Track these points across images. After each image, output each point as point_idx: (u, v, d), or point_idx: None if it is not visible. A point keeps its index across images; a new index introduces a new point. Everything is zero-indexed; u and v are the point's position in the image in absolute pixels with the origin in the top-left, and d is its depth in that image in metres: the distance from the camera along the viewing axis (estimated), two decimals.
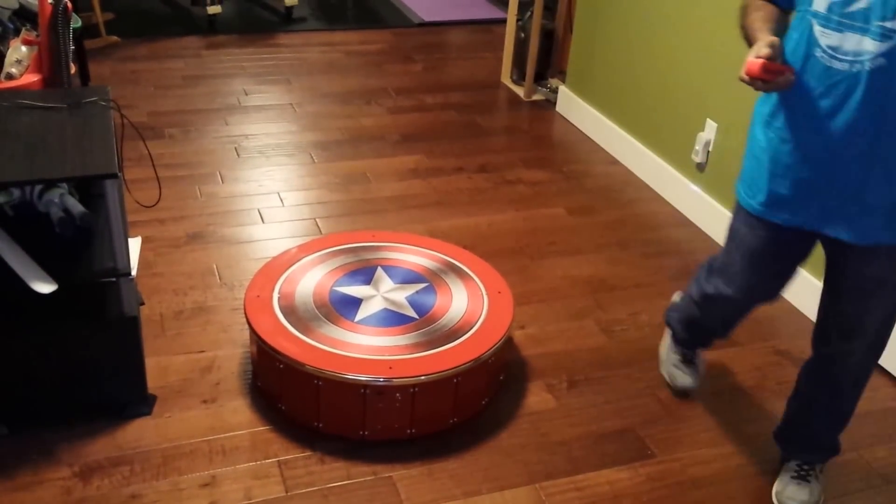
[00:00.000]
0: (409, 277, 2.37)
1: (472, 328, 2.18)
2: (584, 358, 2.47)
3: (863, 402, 2.37)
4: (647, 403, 2.30)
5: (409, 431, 2.10)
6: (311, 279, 2.33)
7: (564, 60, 4.24)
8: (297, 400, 2.11)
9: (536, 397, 2.30)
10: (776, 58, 1.55)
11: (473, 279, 2.38)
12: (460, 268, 2.43)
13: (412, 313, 2.23)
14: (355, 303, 2.25)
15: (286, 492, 1.95)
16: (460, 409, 2.15)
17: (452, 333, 2.16)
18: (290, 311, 2.19)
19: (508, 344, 2.32)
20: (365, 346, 2.09)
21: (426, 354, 2.08)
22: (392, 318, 2.20)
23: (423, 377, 2.03)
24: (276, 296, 2.24)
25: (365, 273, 2.37)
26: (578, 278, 2.85)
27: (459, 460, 2.08)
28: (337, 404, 2.06)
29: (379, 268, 2.40)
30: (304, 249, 2.46)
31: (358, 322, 2.18)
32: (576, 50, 4.04)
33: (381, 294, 2.29)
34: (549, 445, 2.14)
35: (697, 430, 2.22)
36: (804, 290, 2.76)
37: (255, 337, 2.12)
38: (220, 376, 2.29)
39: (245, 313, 2.18)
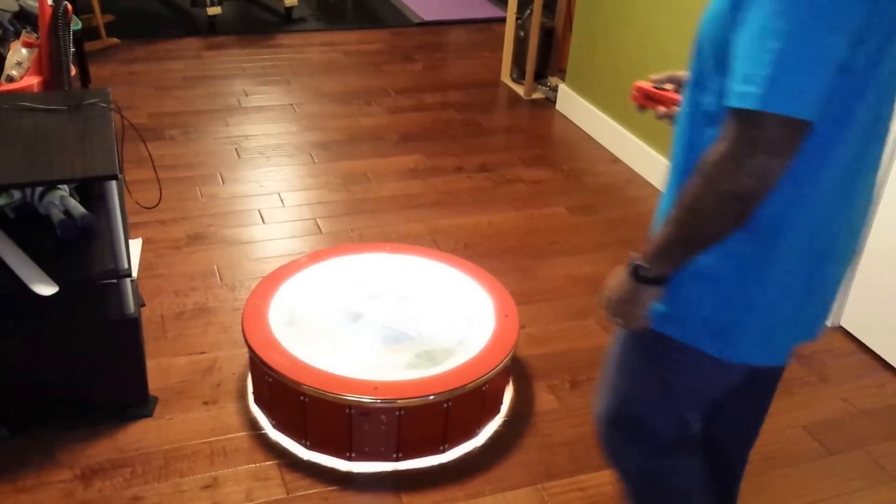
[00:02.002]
0: (415, 294, 2.28)
1: (470, 352, 2.08)
2: (586, 358, 2.46)
3: (867, 398, 2.38)
4: None
5: (395, 456, 2.02)
6: (315, 290, 2.26)
7: (564, 58, 4.23)
8: (286, 415, 2.06)
9: (538, 397, 2.29)
10: (662, 83, 1.45)
11: (482, 300, 2.26)
12: (471, 286, 2.32)
13: (412, 332, 2.15)
14: (355, 317, 2.18)
15: (287, 493, 1.95)
16: (452, 436, 2.06)
17: (448, 356, 2.07)
18: (287, 322, 2.13)
19: (508, 372, 2.25)
20: (357, 364, 2.02)
21: (415, 376, 2.00)
22: (390, 336, 2.13)
23: (408, 400, 1.94)
24: (275, 306, 2.18)
25: (371, 287, 2.29)
26: (580, 277, 2.84)
27: (461, 461, 2.07)
28: (323, 423, 2.00)
29: (386, 282, 2.32)
30: (314, 258, 2.39)
31: (354, 338, 2.11)
32: (575, 48, 4.04)
33: (384, 310, 2.21)
34: (552, 446, 2.13)
35: None
36: None
37: (248, 348, 2.08)
38: (220, 377, 2.28)
39: (241, 322, 2.14)
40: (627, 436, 1.50)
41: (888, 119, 1.25)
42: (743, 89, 1.07)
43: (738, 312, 1.27)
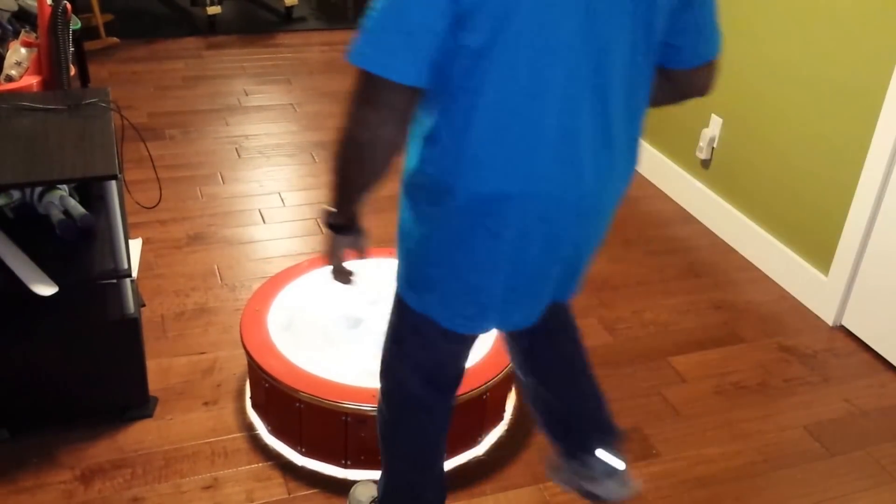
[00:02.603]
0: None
1: (470, 360, 2.02)
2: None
3: (869, 398, 2.37)
4: (652, 402, 2.29)
5: None
6: (316, 295, 2.23)
7: None
8: (281, 422, 2.04)
9: None
10: None
11: None
12: None
13: None
14: (355, 323, 2.15)
15: (288, 493, 1.94)
16: (451, 444, 1.99)
17: None
18: (285, 327, 2.11)
19: (510, 380, 2.20)
20: (355, 371, 1.98)
21: None
22: None
23: None
24: (274, 311, 2.15)
25: (373, 292, 2.25)
26: None
27: (462, 464, 2.06)
28: (318, 430, 1.97)
29: (388, 287, 2.28)
30: (315, 263, 2.36)
31: (353, 344, 2.08)
32: None
33: (384, 316, 2.19)
34: None
35: (703, 429, 2.21)
36: (809, 285, 2.75)
37: (245, 351, 2.05)
38: (221, 378, 2.28)
39: (240, 326, 2.12)
40: (393, 355, 1.60)
41: (591, 115, 1.25)
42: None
43: (420, 266, 1.39)
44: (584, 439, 1.72)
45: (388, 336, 1.57)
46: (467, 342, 1.53)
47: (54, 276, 1.94)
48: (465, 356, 1.58)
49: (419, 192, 1.33)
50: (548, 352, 1.69)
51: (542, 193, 1.28)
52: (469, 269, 1.35)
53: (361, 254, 1.46)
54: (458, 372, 1.60)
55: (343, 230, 1.39)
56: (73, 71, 2.66)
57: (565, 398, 1.73)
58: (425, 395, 1.58)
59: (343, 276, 1.47)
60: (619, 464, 1.70)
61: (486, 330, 1.46)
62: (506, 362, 2.05)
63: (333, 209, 1.36)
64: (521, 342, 1.70)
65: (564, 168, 1.27)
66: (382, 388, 1.64)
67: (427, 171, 1.29)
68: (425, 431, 1.62)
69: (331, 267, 1.45)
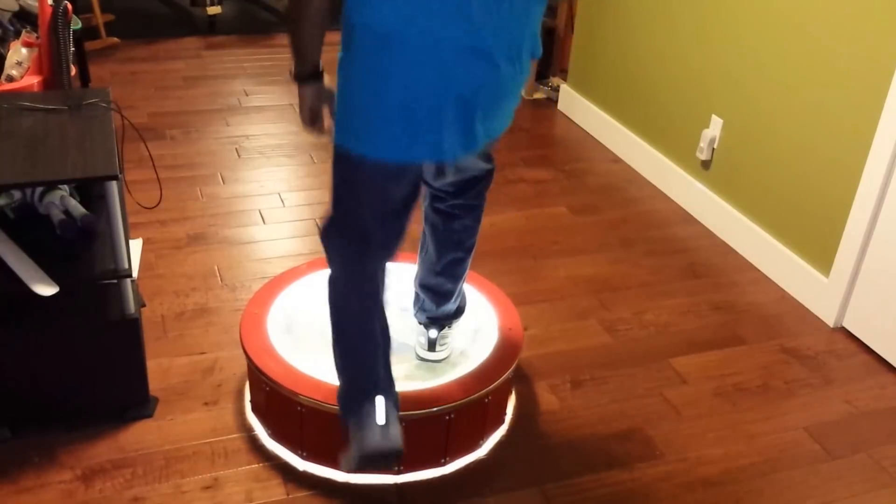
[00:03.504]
0: (417, 302, 2.20)
1: (473, 364, 2.04)
2: (587, 358, 2.45)
3: (870, 400, 2.37)
4: (653, 403, 2.29)
5: (395, 469, 1.97)
6: (315, 297, 2.21)
7: (566, 58, 4.23)
8: (282, 425, 2.03)
9: (540, 398, 2.28)
10: None
11: (486, 311, 2.23)
12: (475, 296, 2.27)
13: (412, 342, 2.12)
14: None
15: (287, 494, 1.94)
16: (454, 448, 2.01)
17: (450, 367, 2.04)
18: (286, 330, 2.10)
19: (511, 383, 2.22)
20: None
21: (417, 388, 1.96)
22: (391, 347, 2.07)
23: (409, 413, 1.87)
24: (274, 313, 2.14)
25: None
26: (581, 278, 2.83)
27: (463, 464, 2.06)
28: (320, 434, 1.96)
29: (388, 290, 2.28)
30: (314, 265, 2.36)
31: None
32: (577, 47, 4.03)
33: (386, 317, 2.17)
34: (554, 447, 2.12)
35: (704, 431, 2.21)
36: (809, 286, 2.75)
37: (245, 355, 2.05)
38: (221, 378, 2.27)
39: (240, 329, 2.11)
40: (333, 231, 1.73)
41: None
42: None
43: (348, 100, 1.57)
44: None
45: (332, 184, 1.70)
46: (394, 183, 1.63)
47: (54, 276, 1.94)
48: (400, 218, 1.69)
49: (345, 37, 1.58)
50: (451, 221, 1.95)
51: (427, 29, 1.47)
52: (383, 93, 1.53)
53: (331, 105, 1.64)
54: (394, 232, 1.72)
55: (305, 80, 1.61)
56: (73, 71, 2.66)
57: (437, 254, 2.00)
58: (356, 249, 1.71)
59: (313, 126, 1.67)
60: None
61: (409, 159, 1.60)
62: (507, 367, 2.05)
63: (294, 61, 1.59)
64: (438, 203, 1.94)
65: (448, 6, 1.46)
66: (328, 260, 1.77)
67: (345, 16, 1.57)
68: (360, 289, 1.78)
69: (304, 121, 1.67)
